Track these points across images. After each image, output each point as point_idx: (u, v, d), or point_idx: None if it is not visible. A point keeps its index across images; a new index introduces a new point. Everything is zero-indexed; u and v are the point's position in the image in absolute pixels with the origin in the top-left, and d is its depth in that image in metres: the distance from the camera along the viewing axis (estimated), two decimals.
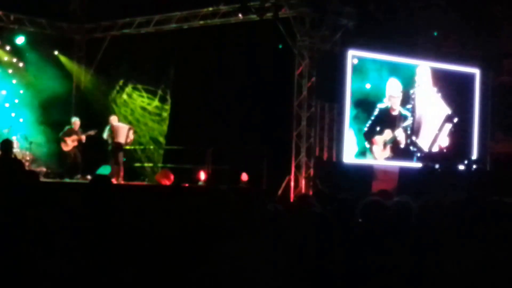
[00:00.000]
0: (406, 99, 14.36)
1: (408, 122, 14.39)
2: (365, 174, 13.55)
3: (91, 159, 15.12)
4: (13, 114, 16.29)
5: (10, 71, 16.61)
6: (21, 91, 16.57)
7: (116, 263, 4.14)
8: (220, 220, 4.73)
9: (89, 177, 13.79)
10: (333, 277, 4.08)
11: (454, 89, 14.87)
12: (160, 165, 16.75)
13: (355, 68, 13.85)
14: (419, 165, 13.62)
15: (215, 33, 15.48)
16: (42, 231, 4.20)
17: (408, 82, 14.39)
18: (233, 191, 6.17)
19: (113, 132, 14.32)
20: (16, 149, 13.93)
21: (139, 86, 17.52)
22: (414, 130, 14.47)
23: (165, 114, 17.18)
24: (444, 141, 14.73)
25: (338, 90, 13.79)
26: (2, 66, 16.49)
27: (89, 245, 4.18)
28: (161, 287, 4.14)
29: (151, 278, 4.12)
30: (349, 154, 13.86)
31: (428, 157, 13.87)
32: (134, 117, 17.43)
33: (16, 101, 16.49)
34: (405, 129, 14.32)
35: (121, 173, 14.41)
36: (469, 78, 15.06)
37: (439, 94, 14.72)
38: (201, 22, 15.61)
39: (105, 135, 14.42)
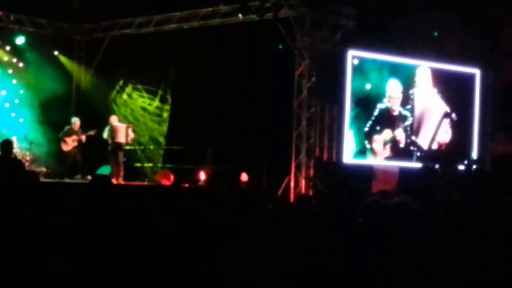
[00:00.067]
0: (406, 100, 14.36)
1: (408, 122, 14.39)
2: (365, 174, 13.55)
3: (91, 159, 15.12)
4: (13, 114, 16.30)
5: (10, 71, 16.62)
6: (21, 91, 16.58)
7: (116, 263, 4.13)
8: (220, 220, 4.73)
9: (89, 177, 13.79)
10: (333, 277, 4.07)
11: (454, 90, 14.87)
12: (160, 165, 16.75)
13: (355, 69, 13.86)
14: (419, 165, 13.62)
15: (215, 33, 15.48)
16: (42, 231, 4.20)
17: (408, 83, 14.39)
18: (233, 191, 6.16)
19: (113, 132, 14.33)
20: (16, 149, 13.94)
21: (140, 86, 17.53)
22: (414, 129, 14.48)
23: (165, 115, 17.18)
24: (443, 137, 14.73)
25: (338, 91, 13.79)
26: (2, 66, 16.50)
27: (89, 245, 4.18)
28: (161, 287, 4.14)
29: (151, 278, 4.12)
30: (349, 154, 13.88)
31: (428, 157, 13.87)
32: (134, 116, 17.43)
33: (16, 101, 16.50)
34: (405, 129, 14.33)
35: (121, 173, 14.42)
36: (469, 78, 15.07)
37: (439, 95, 14.73)
38: (201, 22, 15.60)
39: (105, 135, 14.43)
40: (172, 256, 4.25)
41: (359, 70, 13.92)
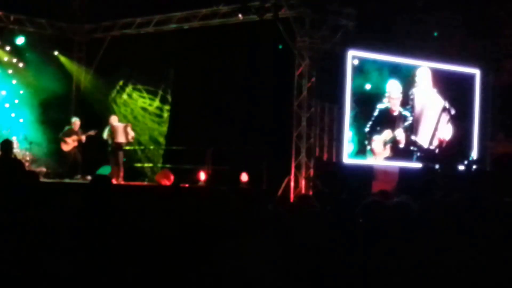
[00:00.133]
0: (406, 100, 14.37)
1: (408, 122, 14.40)
2: (365, 174, 13.56)
3: (91, 159, 15.13)
4: (13, 115, 16.31)
5: (10, 71, 16.62)
6: (21, 91, 16.58)
7: (116, 263, 4.13)
8: (220, 220, 4.73)
9: (89, 177, 13.80)
10: (333, 277, 4.07)
11: (454, 90, 14.88)
12: (160, 165, 16.75)
13: (355, 69, 13.86)
14: (419, 165, 13.62)
15: (215, 33, 15.47)
16: (42, 231, 4.20)
17: (408, 83, 14.40)
18: (233, 191, 6.16)
19: (113, 132, 14.33)
20: (16, 149, 13.95)
21: (140, 87, 17.53)
22: (414, 129, 14.48)
23: (166, 115, 17.18)
24: (443, 132, 14.72)
25: (338, 91, 13.80)
26: (2, 66, 16.50)
27: (89, 245, 4.18)
28: (161, 287, 4.14)
29: (152, 278, 4.12)
30: (349, 154, 13.90)
31: (428, 157, 13.88)
32: (134, 116, 17.43)
33: (16, 101, 16.50)
34: (405, 129, 14.33)
35: (121, 173, 14.42)
36: (469, 78, 15.08)
37: (439, 95, 14.73)
38: (201, 22, 15.60)
39: (105, 135, 14.43)
40: (172, 256, 4.25)
41: (359, 70, 13.92)
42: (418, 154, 14.38)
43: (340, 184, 12.45)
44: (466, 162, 13.80)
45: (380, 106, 14.10)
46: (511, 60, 14.89)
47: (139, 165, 16.95)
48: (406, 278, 3.97)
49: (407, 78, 14.39)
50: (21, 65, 16.65)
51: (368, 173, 13.67)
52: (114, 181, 12.67)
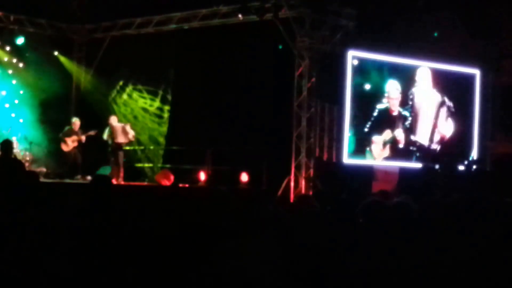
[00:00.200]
0: (406, 100, 14.37)
1: (408, 122, 14.40)
2: (365, 174, 13.56)
3: (91, 159, 15.12)
4: (13, 115, 16.31)
5: (10, 71, 16.62)
6: (21, 91, 16.58)
7: (116, 263, 4.14)
8: (220, 220, 4.73)
9: (89, 177, 13.80)
10: (333, 277, 4.07)
11: (454, 90, 14.88)
12: (160, 165, 16.75)
13: (355, 69, 13.86)
14: (419, 165, 13.63)
15: (215, 33, 15.47)
16: (42, 231, 4.20)
17: (407, 83, 14.40)
18: (233, 191, 6.17)
19: (113, 132, 14.34)
20: (16, 149, 13.95)
21: (140, 87, 17.53)
22: (413, 129, 14.48)
23: (166, 116, 17.18)
24: (443, 127, 14.71)
25: (338, 91, 13.80)
26: (2, 66, 16.50)
27: (90, 245, 4.18)
28: (161, 287, 4.14)
29: (152, 278, 4.12)
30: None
31: (428, 157, 13.88)
32: (134, 115, 17.44)
33: (16, 101, 16.50)
34: (404, 129, 14.33)
35: (121, 174, 14.42)
36: (469, 78, 15.07)
37: (439, 95, 14.73)
38: (201, 22, 15.60)
39: (105, 135, 14.44)
40: (172, 256, 4.25)
41: (359, 70, 13.92)
42: (418, 154, 14.38)
43: (340, 184, 12.49)
44: (466, 162, 13.80)
45: (379, 106, 14.10)
46: (511, 60, 14.89)
47: (139, 165, 16.96)
48: (406, 278, 3.97)
49: (406, 78, 14.38)
50: (21, 65, 16.65)
51: (368, 173, 13.67)
52: (114, 181, 12.67)
